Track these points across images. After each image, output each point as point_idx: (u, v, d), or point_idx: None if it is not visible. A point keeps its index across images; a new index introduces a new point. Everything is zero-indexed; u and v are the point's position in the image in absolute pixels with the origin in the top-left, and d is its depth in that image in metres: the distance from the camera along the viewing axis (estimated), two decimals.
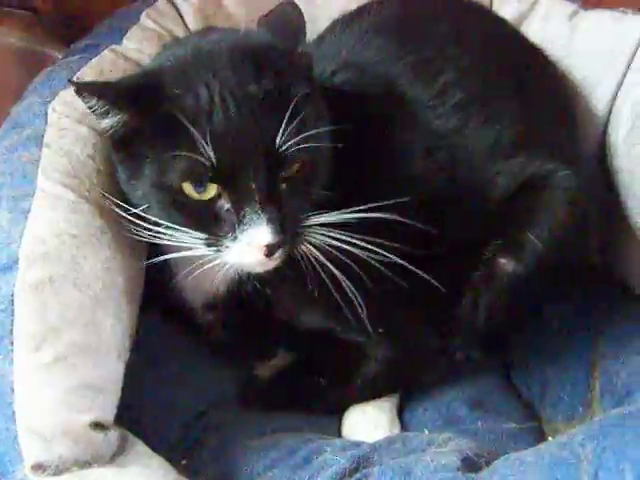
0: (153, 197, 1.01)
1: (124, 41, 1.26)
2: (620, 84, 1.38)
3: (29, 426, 0.87)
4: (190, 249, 1.02)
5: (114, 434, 0.93)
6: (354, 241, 1.02)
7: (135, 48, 1.25)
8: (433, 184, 1.20)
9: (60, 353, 0.90)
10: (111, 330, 0.97)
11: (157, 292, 1.16)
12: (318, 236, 1.03)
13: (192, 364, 1.24)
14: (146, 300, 1.12)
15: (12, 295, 0.92)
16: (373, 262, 1.06)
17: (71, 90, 1.12)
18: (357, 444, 1.11)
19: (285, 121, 0.96)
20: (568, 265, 1.27)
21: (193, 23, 1.35)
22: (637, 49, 1.36)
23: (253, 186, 0.96)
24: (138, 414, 1.07)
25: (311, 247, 1.03)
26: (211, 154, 0.94)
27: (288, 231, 0.98)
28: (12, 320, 0.91)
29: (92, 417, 0.90)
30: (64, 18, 1.64)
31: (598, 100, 1.41)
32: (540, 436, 1.26)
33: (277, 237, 0.96)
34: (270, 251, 0.97)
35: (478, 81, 1.26)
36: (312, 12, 1.37)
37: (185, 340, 1.26)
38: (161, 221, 1.01)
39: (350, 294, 1.07)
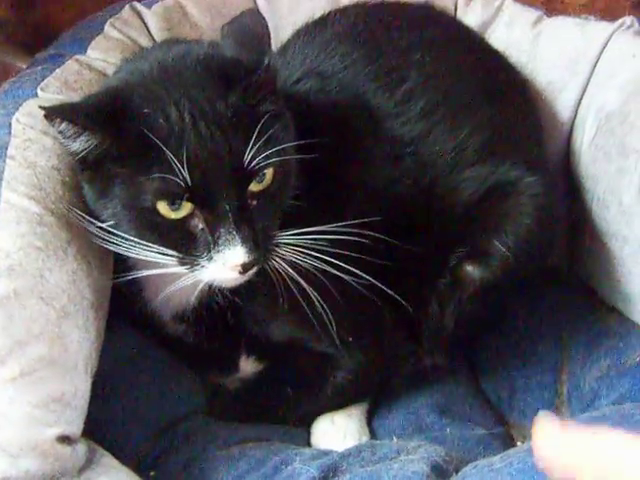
0: (124, 217, 0.99)
1: (89, 51, 1.26)
2: (584, 90, 1.40)
3: None
4: (162, 266, 1.02)
5: (82, 447, 0.93)
6: (322, 255, 1.03)
7: (100, 58, 1.24)
8: (398, 192, 1.20)
9: (26, 367, 0.89)
10: (78, 343, 0.96)
11: (126, 303, 1.15)
12: (288, 251, 1.03)
13: (160, 375, 1.23)
14: (115, 310, 1.11)
15: None
16: (341, 273, 1.06)
17: (36, 101, 1.12)
18: (326, 453, 1.11)
19: (253, 139, 0.96)
20: (533, 269, 1.28)
21: (157, 32, 1.34)
22: (600, 55, 1.38)
23: (227, 207, 0.96)
24: (106, 426, 1.07)
25: (281, 261, 1.04)
26: (186, 175, 0.93)
27: (262, 248, 0.99)
28: None
29: (59, 431, 0.89)
30: (27, 27, 1.62)
31: (562, 106, 1.42)
32: (509, 441, 1.27)
33: (251, 256, 0.97)
34: (244, 269, 0.98)
35: (442, 87, 1.26)
36: (277, 22, 1.38)
37: (153, 351, 1.25)
38: (132, 238, 1.00)
39: (319, 306, 1.07)
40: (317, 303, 1.06)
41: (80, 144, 0.97)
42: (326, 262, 1.04)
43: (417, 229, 1.21)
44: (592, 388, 1.26)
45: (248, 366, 1.26)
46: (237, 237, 0.96)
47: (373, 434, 1.26)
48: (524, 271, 1.24)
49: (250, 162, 0.96)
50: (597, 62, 1.38)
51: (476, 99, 1.29)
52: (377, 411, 1.29)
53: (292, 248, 1.03)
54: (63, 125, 0.96)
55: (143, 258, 1.01)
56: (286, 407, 1.25)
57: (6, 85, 1.20)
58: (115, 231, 1.00)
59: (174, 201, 0.96)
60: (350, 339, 1.18)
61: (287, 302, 1.08)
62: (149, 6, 1.38)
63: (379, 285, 1.11)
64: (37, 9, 1.64)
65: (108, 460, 0.96)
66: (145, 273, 1.05)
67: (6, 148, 1.06)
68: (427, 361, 1.29)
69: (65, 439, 0.90)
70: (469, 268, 1.21)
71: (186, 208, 0.97)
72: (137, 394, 1.17)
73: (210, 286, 1.09)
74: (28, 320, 0.91)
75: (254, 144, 0.96)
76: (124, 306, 1.15)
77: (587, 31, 1.41)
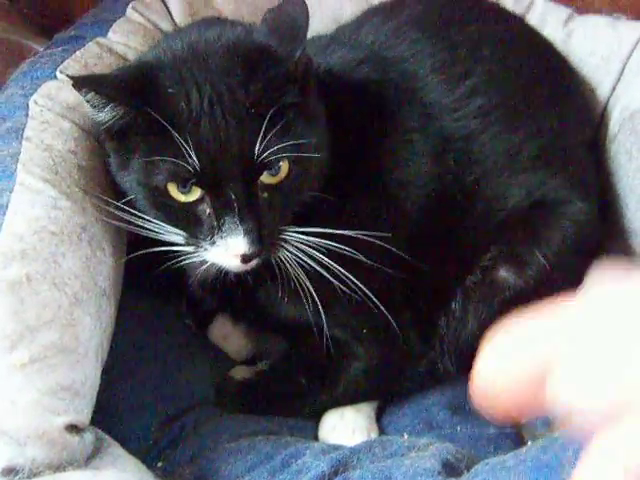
0: (139, 192, 1.01)
1: (110, 34, 1.24)
2: (613, 89, 1.38)
3: (2, 428, 0.85)
4: (171, 244, 1.03)
5: (89, 436, 0.92)
6: (327, 259, 1.03)
7: (121, 41, 1.23)
8: (437, 188, 1.18)
9: (36, 354, 0.88)
10: (89, 331, 0.95)
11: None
12: (296, 247, 1.03)
13: (168, 365, 1.23)
14: (125, 299, 1.10)
15: None
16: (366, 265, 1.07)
17: (54, 82, 1.12)
18: (336, 448, 1.10)
19: (264, 130, 0.96)
20: (564, 288, 1.25)
21: (180, 17, 1.33)
22: (631, 55, 1.37)
23: (233, 195, 0.96)
24: (114, 415, 1.06)
25: (287, 255, 1.04)
26: (195, 160, 0.95)
27: (266, 241, 0.99)
28: None
29: (68, 420, 0.88)
30: (42, 7, 1.61)
31: (594, 106, 1.41)
32: (519, 441, 1.25)
33: (253, 248, 0.98)
34: (246, 259, 0.99)
35: (506, 87, 1.24)
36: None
37: (161, 340, 1.25)
38: (145, 216, 1.02)
39: (319, 301, 1.07)
40: (316, 297, 1.07)
41: (106, 115, 0.99)
42: (331, 262, 1.04)
43: (452, 225, 1.20)
44: None
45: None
46: (240, 227, 0.97)
47: (383, 431, 1.25)
48: (556, 287, 1.21)
49: (262, 153, 0.96)
50: (628, 61, 1.37)
51: (537, 105, 1.26)
52: (387, 408, 1.28)
53: (300, 245, 1.03)
54: (90, 95, 0.97)
55: (153, 236, 1.03)
56: (298, 398, 1.25)
57: (24, 66, 1.20)
58: (128, 208, 1.02)
59: (184, 185, 0.97)
60: (365, 331, 1.18)
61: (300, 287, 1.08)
62: None
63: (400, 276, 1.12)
64: None
65: (115, 449, 0.95)
66: (155, 249, 1.05)
67: (23, 130, 1.06)
68: (440, 365, 1.26)
69: (73, 428, 0.89)
70: (504, 273, 1.19)
71: (196, 193, 0.98)
72: (146, 383, 1.17)
73: None
74: (40, 306, 0.91)
75: (267, 135, 0.96)
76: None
77: (619, 30, 1.40)
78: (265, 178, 0.99)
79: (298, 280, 1.06)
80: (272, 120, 0.96)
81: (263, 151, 0.96)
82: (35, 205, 0.98)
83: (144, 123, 0.97)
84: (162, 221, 1.02)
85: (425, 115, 1.19)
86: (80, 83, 0.98)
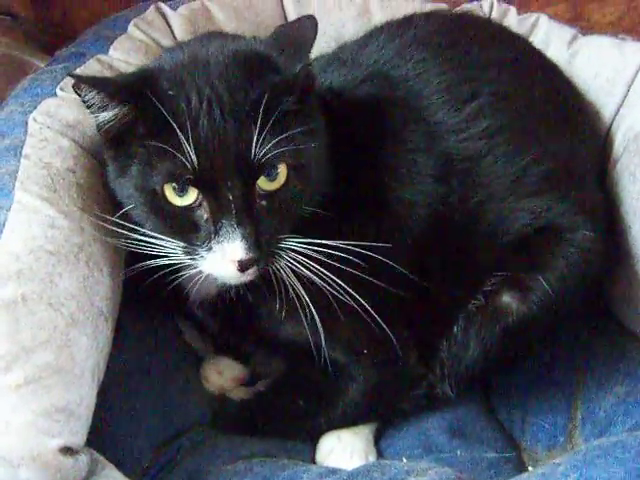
0: (136, 199, 1.01)
1: (111, 51, 1.25)
2: (617, 111, 1.38)
3: None
4: (167, 257, 1.03)
5: (84, 458, 0.91)
6: (325, 271, 1.03)
7: (121, 58, 1.23)
8: (440, 209, 1.17)
9: (31, 374, 0.87)
10: (86, 351, 0.94)
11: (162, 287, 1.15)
12: (294, 258, 1.03)
13: (164, 386, 1.22)
14: (121, 320, 1.10)
15: None
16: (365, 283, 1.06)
17: (54, 100, 1.12)
18: (334, 471, 1.09)
19: (263, 133, 0.96)
20: (568, 314, 1.24)
21: (181, 35, 1.34)
22: (636, 76, 1.36)
23: (230, 196, 0.96)
24: (109, 436, 1.05)
25: (284, 267, 1.03)
26: (193, 157, 0.95)
27: (263, 249, 0.99)
28: None
29: (62, 442, 0.88)
30: (44, 25, 1.62)
31: (598, 127, 1.40)
32: (520, 465, 1.24)
33: (250, 254, 0.97)
34: (243, 266, 0.98)
35: (512, 110, 1.23)
36: None
37: (158, 362, 1.24)
38: (142, 229, 1.02)
39: (318, 318, 1.07)
40: (314, 313, 1.07)
41: (106, 115, 0.99)
42: (331, 275, 1.03)
43: (454, 247, 1.19)
44: (607, 414, 1.23)
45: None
46: (238, 231, 0.97)
47: (381, 454, 1.24)
48: (560, 315, 1.21)
49: (259, 154, 0.97)
50: (632, 83, 1.36)
51: (544, 128, 1.25)
52: (386, 431, 1.27)
53: (298, 256, 1.02)
54: (91, 94, 0.98)
55: (149, 251, 1.02)
56: (296, 420, 1.24)
57: (25, 82, 1.20)
58: (125, 223, 1.02)
59: (181, 186, 0.97)
60: (365, 351, 1.17)
61: (298, 304, 1.07)
62: (174, 8, 1.37)
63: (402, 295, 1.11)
64: (55, 8, 1.65)
65: (111, 472, 0.94)
66: (151, 263, 1.04)
67: (21, 147, 1.06)
68: (439, 389, 1.25)
69: (68, 450, 0.88)
70: (507, 298, 1.18)
71: (192, 195, 0.98)
72: (142, 404, 1.16)
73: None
74: (35, 326, 0.90)
75: (264, 138, 0.96)
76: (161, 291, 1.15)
77: (624, 52, 1.39)
78: (263, 184, 0.99)
79: (297, 295, 1.05)
80: (271, 123, 0.97)
81: (260, 152, 0.97)
82: (32, 224, 0.97)
83: (144, 124, 0.98)
84: (159, 231, 1.02)
85: (430, 135, 1.19)
86: (80, 82, 0.98)
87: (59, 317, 0.92)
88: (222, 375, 1.34)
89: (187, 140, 0.95)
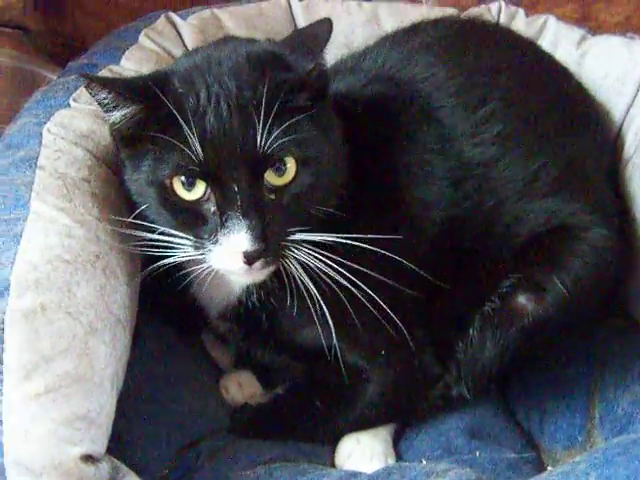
0: (148, 195, 1.03)
1: (122, 61, 1.26)
2: (627, 111, 1.37)
3: (17, 459, 0.85)
4: (179, 254, 1.03)
5: (105, 466, 0.91)
6: (338, 267, 1.03)
7: (133, 69, 1.24)
8: (455, 213, 1.18)
9: (51, 383, 0.88)
10: (104, 359, 0.94)
11: (175, 303, 1.18)
12: (304, 254, 1.03)
13: (183, 392, 1.22)
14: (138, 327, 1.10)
15: (2, 323, 0.89)
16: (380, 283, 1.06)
17: (68, 111, 1.13)
18: (354, 475, 1.09)
19: (269, 125, 0.97)
20: (584, 315, 1.24)
21: (192, 44, 1.34)
22: None
23: (236, 188, 0.97)
24: (130, 444, 1.06)
25: (296, 263, 1.03)
26: (199, 149, 0.97)
27: (270, 242, 0.99)
28: (2, 348, 0.88)
29: (83, 450, 0.88)
30: (56, 37, 1.63)
31: (608, 127, 1.40)
32: (539, 465, 1.24)
33: (256, 245, 0.97)
34: (249, 259, 0.98)
35: (523, 114, 1.24)
36: None
37: (176, 368, 1.25)
38: (155, 225, 1.04)
39: (331, 319, 1.07)
40: (326, 314, 1.07)
41: (117, 114, 1.01)
42: (344, 272, 1.03)
43: (469, 248, 1.19)
44: (626, 412, 1.23)
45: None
46: (243, 223, 0.97)
47: (400, 456, 1.24)
48: (576, 315, 1.20)
49: (265, 147, 0.97)
50: None
51: (555, 131, 1.26)
52: (405, 433, 1.27)
53: (309, 251, 1.03)
54: (102, 94, 1.00)
55: (162, 253, 1.04)
56: (314, 423, 1.24)
57: (38, 94, 1.21)
58: (140, 222, 1.04)
59: (189, 179, 0.99)
60: (382, 353, 1.17)
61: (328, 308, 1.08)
62: (184, 17, 1.38)
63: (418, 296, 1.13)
64: (66, 20, 1.66)
65: (131, 479, 0.95)
66: (165, 262, 1.05)
67: (36, 158, 1.07)
68: (454, 391, 1.25)
69: (89, 458, 0.89)
70: (522, 299, 1.18)
71: (200, 189, 1.00)
72: (161, 412, 1.16)
73: (248, 286, 1.11)
74: (54, 335, 0.90)
75: (271, 130, 0.97)
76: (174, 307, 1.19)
77: (633, 51, 1.39)
78: (271, 178, 1.00)
79: (310, 295, 1.05)
80: (279, 118, 0.98)
81: (266, 145, 0.97)
82: (49, 234, 0.98)
83: (154, 121, 0.99)
84: (170, 226, 1.03)
85: (443, 137, 1.19)
86: (92, 82, 1.00)
87: (78, 326, 0.93)
88: (242, 388, 1.34)
89: (193, 133, 0.96)
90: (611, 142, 1.39)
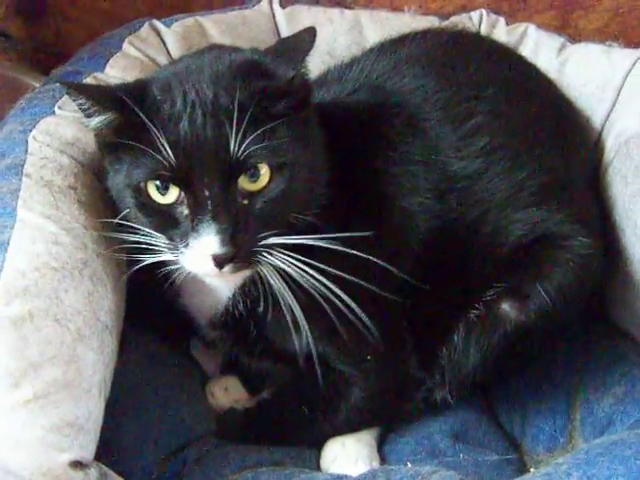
0: (126, 197, 1.04)
1: (107, 68, 1.26)
2: (607, 117, 1.39)
3: (6, 466, 0.84)
4: (156, 254, 1.05)
5: (94, 472, 0.91)
6: (314, 272, 1.03)
7: (118, 76, 1.25)
8: (437, 225, 1.19)
9: (40, 390, 0.88)
10: (92, 366, 0.95)
11: (163, 311, 1.19)
12: (279, 259, 1.03)
13: (172, 398, 1.22)
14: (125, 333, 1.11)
15: None
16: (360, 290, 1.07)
17: (53, 118, 1.13)
18: (340, 478, 1.10)
19: (239, 132, 0.97)
20: (566, 322, 1.26)
21: (176, 51, 1.35)
22: (625, 82, 1.38)
23: (207, 193, 0.98)
24: (118, 451, 1.06)
25: (271, 269, 1.04)
26: (171, 155, 0.97)
27: (241, 245, 0.99)
28: None
29: (72, 456, 0.88)
30: (38, 44, 1.63)
31: (589, 134, 1.42)
32: (521, 467, 1.25)
33: (225, 249, 0.98)
34: (219, 262, 0.99)
35: (509, 128, 1.24)
36: None
37: (163, 374, 1.25)
38: (135, 225, 1.05)
39: (308, 326, 1.08)
40: (302, 320, 1.08)
41: (96, 120, 1.03)
42: (319, 276, 1.04)
43: (452, 258, 1.20)
44: (606, 414, 1.24)
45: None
46: (213, 226, 0.98)
47: (384, 459, 1.25)
48: (559, 323, 1.22)
49: (238, 153, 0.98)
50: (621, 88, 1.38)
51: (540, 142, 1.27)
52: (389, 436, 1.28)
53: (283, 258, 1.03)
54: (81, 101, 1.02)
55: (144, 257, 1.05)
56: (300, 426, 1.25)
57: (23, 102, 1.21)
58: (124, 222, 1.06)
59: (163, 184, 1.00)
60: (366, 358, 1.18)
61: (308, 316, 1.08)
62: (168, 25, 1.39)
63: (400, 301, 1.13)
64: (49, 28, 1.65)
65: None
66: (147, 259, 1.06)
67: (22, 166, 1.07)
68: (438, 395, 1.26)
69: (78, 464, 0.89)
70: (506, 307, 1.19)
71: (174, 193, 1.00)
72: (148, 418, 1.16)
73: (234, 295, 1.12)
74: (42, 342, 0.91)
75: (243, 137, 0.98)
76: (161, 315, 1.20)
77: (613, 58, 1.41)
78: (245, 183, 1.00)
79: (285, 303, 1.06)
80: (254, 125, 0.98)
81: (239, 151, 0.98)
82: (36, 241, 0.98)
83: (131, 128, 1.00)
84: (146, 226, 1.04)
85: (428, 149, 1.20)
86: (71, 89, 1.03)
87: (66, 333, 0.93)
88: (228, 393, 1.35)
89: (165, 140, 0.97)
90: (592, 148, 1.41)
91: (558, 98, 1.40)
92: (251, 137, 0.98)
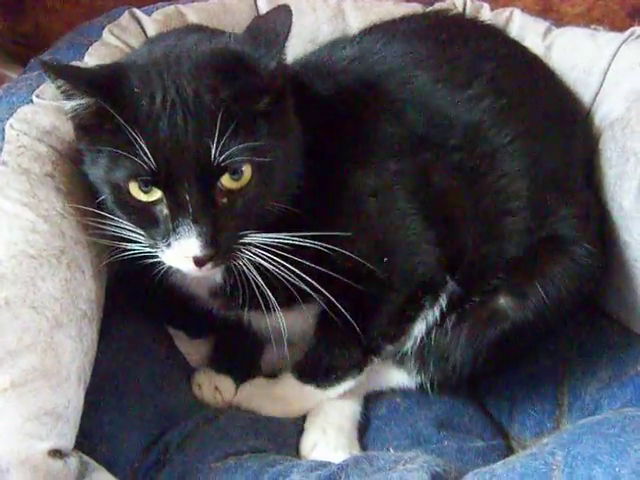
0: (105, 191, 1.03)
1: (86, 57, 1.25)
2: (594, 100, 1.40)
3: None
4: (137, 247, 1.04)
5: (73, 461, 0.91)
6: (290, 266, 1.03)
7: (97, 65, 1.23)
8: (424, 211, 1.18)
9: (17, 378, 0.87)
10: (71, 354, 0.94)
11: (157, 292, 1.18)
12: (255, 253, 1.03)
13: (152, 386, 1.21)
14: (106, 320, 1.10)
15: None
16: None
17: (31, 107, 1.12)
18: (324, 464, 1.09)
19: (222, 136, 0.96)
20: (560, 321, 1.26)
21: None
22: (610, 65, 1.38)
23: (187, 197, 0.97)
24: (97, 438, 1.05)
25: (249, 264, 1.04)
26: (151, 159, 0.95)
27: (221, 246, 0.99)
28: None
29: (51, 445, 0.88)
30: (17, 37, 1.62)
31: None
32: (508, 452, 1.25)
33: (205, 251, 0.98)
34: (199, 262, 0.99)
35: (514, 127, 1.22)
36: None
37: (145, 361, 1.24)
38: (113, 216, 1.04)
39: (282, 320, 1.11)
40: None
41: (73, 103, 1.00)
42: (297, 270, 1.04)
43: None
44: (593, 398, 1.25)
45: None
46: (194, 229, 0.97)
47: (369, 445, 1.25)
48: (552, 322, 1.23)
49: (219, 156, 0.96)
50: (607, 72, 1.38)
51: (550, 145, 1.26)
52: (373, 423, 1.28)
53: (260, 252, 1.03)
54: (59, 82, 0.98)
55: (125, 246, 1.05)
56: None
57: (0, 92, 1.19)
58: (103, 213, 1.04)
59: (145, 184, 0.98)
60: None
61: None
62: (149, 13, 1.38)
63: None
64: (26, 19, 1.65)
65: (100, 474, 0.95)
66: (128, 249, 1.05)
67: None
68: (423, 383, 1.27)
69: (57, 453, 0.88)
70: (503, 302, 1.20)
71: (156, 193, 0.99)
72: (130, 405, 1.15)
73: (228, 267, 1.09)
74: (20, 330, 0.90)
75: (226, 139, 0.96)
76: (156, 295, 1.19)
77: (598, 42, 1.42)
78: (227, 182, 0.99)
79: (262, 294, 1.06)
80: (237, 126, 0.97)
81: (221, 156, 0.96)
82: (13, 229, 0.98)
83: (108, 119, 0.98)
84: (125, 219, 1.03)
85: (406, 139, 1.18)
86: (49, 70, 0.99)
87: (43, 320, 0.92)
88: (217, 392, 1.31)
89: (145, 142, 0.95)
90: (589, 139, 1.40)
91: (563, 90, 1.40)
92: (234, 139, 0.97)
